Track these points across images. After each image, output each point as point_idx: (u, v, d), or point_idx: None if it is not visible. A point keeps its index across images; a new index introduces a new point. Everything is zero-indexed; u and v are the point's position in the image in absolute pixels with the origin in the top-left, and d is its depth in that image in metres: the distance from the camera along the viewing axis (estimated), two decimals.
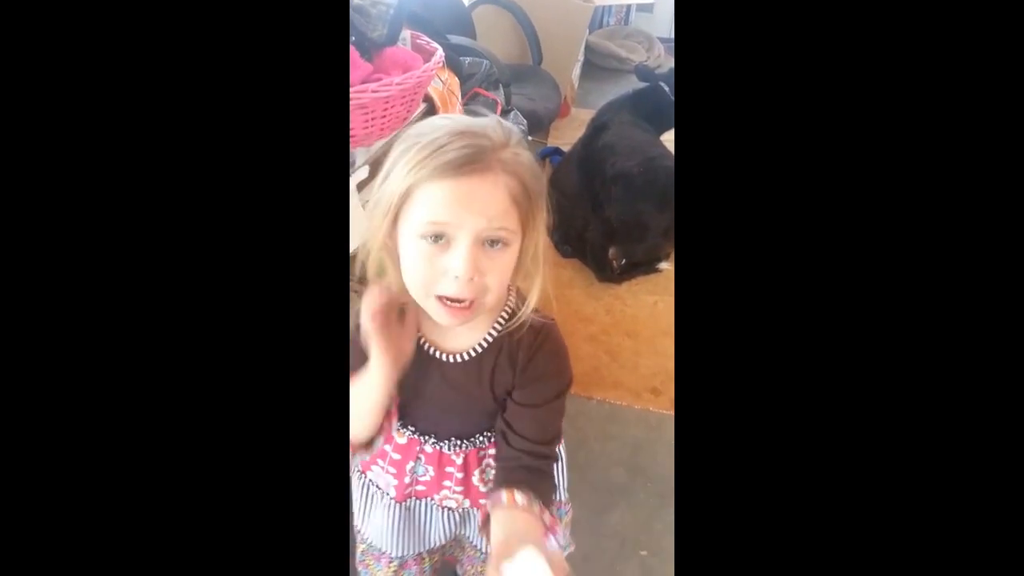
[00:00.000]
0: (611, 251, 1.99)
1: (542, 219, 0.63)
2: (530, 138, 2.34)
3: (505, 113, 1.94)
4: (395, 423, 0.75)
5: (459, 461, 0.77)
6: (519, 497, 0.64)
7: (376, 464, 0.81)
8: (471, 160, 0.56)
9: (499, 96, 1.93)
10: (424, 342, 0.71)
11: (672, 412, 1.59)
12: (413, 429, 0.76)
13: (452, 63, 1.66)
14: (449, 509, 0.82)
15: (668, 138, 2.44)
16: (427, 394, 0.72)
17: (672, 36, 4.17)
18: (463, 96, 1.71)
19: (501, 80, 1.97)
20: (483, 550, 0.86)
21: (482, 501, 0.79)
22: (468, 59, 1.88)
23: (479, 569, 0.90)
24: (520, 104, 2.19)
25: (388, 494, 0.81)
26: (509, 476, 0.67)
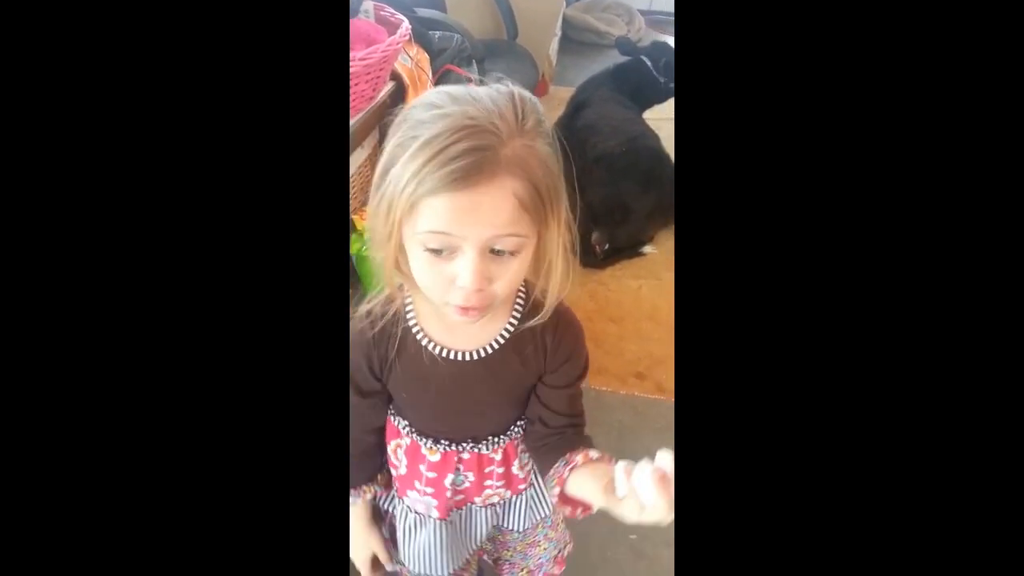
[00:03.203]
0: (594, 236, 1.94)
1: (561, 212, 0.59)
2: None
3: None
4: (426, 442, 0.75)
5: (498, 457, 0.77)
6: (592, 453, 0.68)
7: (411, 490, 0.79)
8: (472, 170, 0.51)
9: (472, 73, 1.84)
10: (433, 345, 0.68)
11: (657, 396, 1.59)
12: (447, 443, 0.75)
13: (420, 37, 1.57)
14: (492, 505, 0.83)
15: (650, 115, 2.38)
16: (451, 401, 0.71)
17: (651, 8, 4.11)
18: (434, 74, 1.62)
19: (475, 56, 1.88)
20: (519, 530, 0.88)
21: (522, 481, 0.81)
22: (438, 33, 1.78)
23: (519, 548, 0.93)
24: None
25: (431, 516, 0.80)
26: (565, 444, 0.71)
